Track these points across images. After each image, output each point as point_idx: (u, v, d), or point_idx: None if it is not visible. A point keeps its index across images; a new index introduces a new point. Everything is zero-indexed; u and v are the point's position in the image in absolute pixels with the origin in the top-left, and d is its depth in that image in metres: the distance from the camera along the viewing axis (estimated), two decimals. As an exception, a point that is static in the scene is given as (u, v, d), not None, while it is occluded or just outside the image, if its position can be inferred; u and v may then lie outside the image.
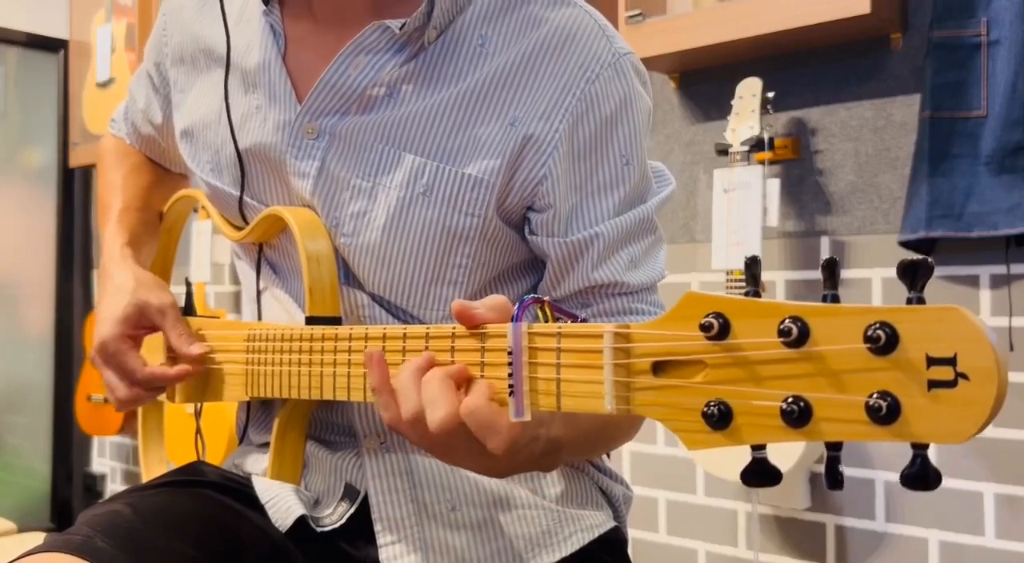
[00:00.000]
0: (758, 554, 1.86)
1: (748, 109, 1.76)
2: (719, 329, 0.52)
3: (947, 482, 1.69)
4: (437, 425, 0.66)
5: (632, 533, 2.08)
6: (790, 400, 0.49)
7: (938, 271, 1.71)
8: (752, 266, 0.55)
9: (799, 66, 1.87)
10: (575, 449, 0.84)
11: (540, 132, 0.86)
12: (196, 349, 0.95)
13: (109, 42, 3.03)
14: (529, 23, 0.88)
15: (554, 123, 0.86)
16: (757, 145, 1.78)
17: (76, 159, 3.31)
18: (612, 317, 0.89)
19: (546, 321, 0.65)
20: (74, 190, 3.42)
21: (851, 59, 1.82)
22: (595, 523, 0.92)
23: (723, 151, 1.80)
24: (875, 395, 0.47)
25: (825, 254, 1.84)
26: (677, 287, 1.99)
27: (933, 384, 0.45)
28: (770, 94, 1.77)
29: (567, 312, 0.65)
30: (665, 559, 2.07)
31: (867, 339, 0.47)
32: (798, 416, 0.49)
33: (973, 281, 1.69)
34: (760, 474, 0.54)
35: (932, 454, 0.48)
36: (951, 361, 0.44)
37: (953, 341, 0.45)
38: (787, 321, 0.49)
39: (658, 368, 0.56)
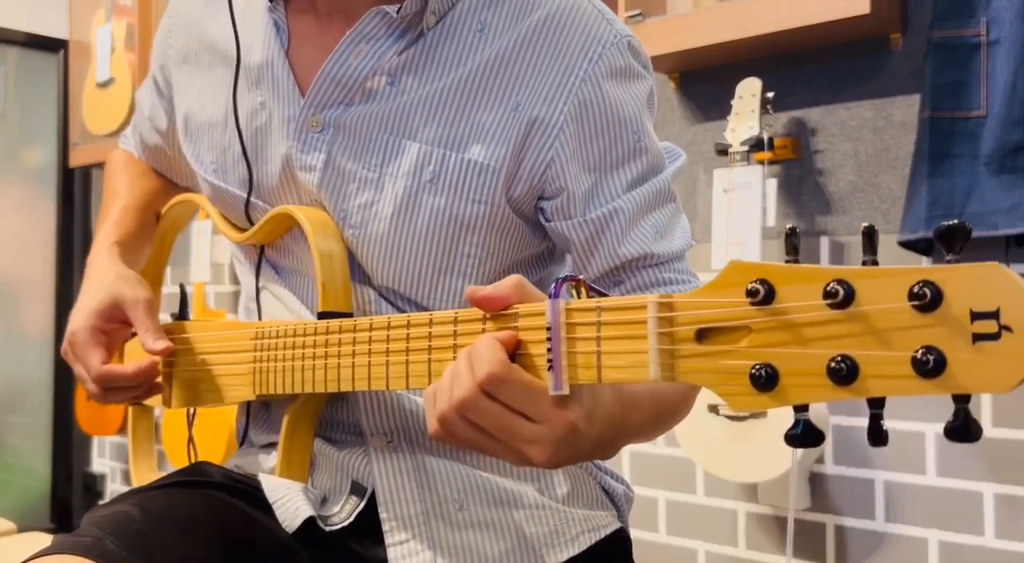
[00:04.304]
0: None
1: (748, 109, 1.76)
2: (765, 294, 0.53)
3: (947, 482, 1.69)
4: (483, 376, 0.64)
5: (632, 533, 2.08)
6: (837, 359, 0.51)
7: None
8: (792, 237, 0.57)
9: (799, 66, 1.87)
10: (627, 439, 0.82)
11: (544, 115, 0.86)
12: (160, 344, 0.92)
13: (109, 42, 3.03)
14: (528, 7, 0.89)
15: (558, 105, 0.86)
16: (757, 145, 1.78)
17: (76, 159, 3.31)
18: (646, 290, 0.89)
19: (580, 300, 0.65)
20: (74, 190, 3.42)
21: (851, 59, 1.81)
22: (601, 524, 0.92)
23: (723, 151, 1.80)
24: (921, 350, 0.48)
25: (825, 254, 1.84)
26: (677, 287, 1.98)
27: (978, 337, 0.47)
28: (770, 94, 1.77)
29: (601, 292, 0.66)
30: (665, 559, 2.07)
31: (912, 297, 0.48)
32: (845, 374, 0.50)
33: (973, 281, 1.68)
34: (804, 435, 0.56)
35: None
36: (994, 315, 0.46)
37: (995, 296, 0.47)
38: (833, 284, 0.51)
39: (702, 335, 0.57)
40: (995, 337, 0.46)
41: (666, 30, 1.86)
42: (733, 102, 1.79)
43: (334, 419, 0.94)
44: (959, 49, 1.60)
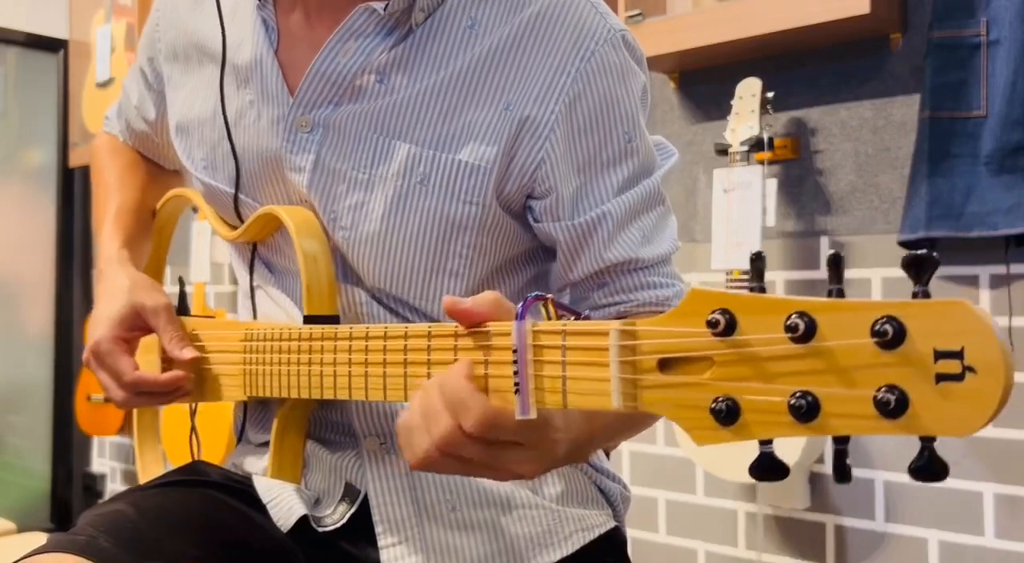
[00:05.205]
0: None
1: (748, 109, 1.76)
2: (725, 325, 0.52)
3: (947, 482, 1.69)
4: (472, 427, 0.63)
5: (632, 533, 2.09)
6: (798, 395, 0.49)
7: (938, 271, 1.70)
8: (756, 262, 0.56)
9: (799, 66, 1.87)
10: (601, 441, 0.82)
11: (536, 115, 0.85)
12: (188, 353, 0.93)
13: (109, 42, 3.03)
14: (520, 1, 0.87)
15: (550, 104, 0.85)
16: (757, 145, 1.77)
17: (76, 159, 3.31)
18: (630, 294, 0.89)
19: (549, 319, 0.64)
20: (74, 190, 3.42)
21: (851, 59, 1.81)
22: (595, 523, 0.92)
23: (723, 151, 1.80)
24: (883, 389, 0.46)
25: (825, 254, 1.84)
26: (677, 287, 1.98)
27: (941, 378, 0.45)
28: (770, 94, 1.77)
29: (570, 309, 0.65)
30: (665, 559, 2.07)
31: (874, 333, 0.46)
32: (806, 411, 0.49)
33: (973, 281, 1.69)
34: (768, 468, 0.55)
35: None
36: (958, 354, 0.45)
37: (960, 334, 0.45)
38: (794, 316, 0.49)
39: (665, 365, 0.56)
40: (959, 378, 0.45)
41: (666, 30, 1.86)
42: (733, 102, 1.79)
43: (327, 420, 0.94)
44: (959, 49, 1.60)
